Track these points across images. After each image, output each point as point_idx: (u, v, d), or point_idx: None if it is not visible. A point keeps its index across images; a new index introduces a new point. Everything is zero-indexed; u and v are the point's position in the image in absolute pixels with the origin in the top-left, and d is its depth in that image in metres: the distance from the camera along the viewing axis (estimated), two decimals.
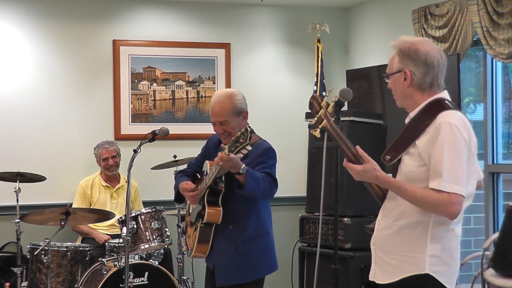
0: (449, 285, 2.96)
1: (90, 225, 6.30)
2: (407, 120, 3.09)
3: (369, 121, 5.94)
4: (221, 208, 4.07)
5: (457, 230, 3.00)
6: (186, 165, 4.64)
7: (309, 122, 6.37)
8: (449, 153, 2.85)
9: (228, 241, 4.14)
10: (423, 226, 2.95)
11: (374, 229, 3.14)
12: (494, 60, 5.69)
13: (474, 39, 5.62)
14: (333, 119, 2.93)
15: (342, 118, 5.64)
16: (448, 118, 2.91)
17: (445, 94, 3.07)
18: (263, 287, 4.26)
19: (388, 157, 3.01)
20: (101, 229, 6.38)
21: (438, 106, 2.99)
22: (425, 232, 2.95)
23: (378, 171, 2.92)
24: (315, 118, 2.85)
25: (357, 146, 2.94)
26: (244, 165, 3.88)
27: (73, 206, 6.25)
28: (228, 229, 4.13)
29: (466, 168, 2.89)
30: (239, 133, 3.83)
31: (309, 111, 6.77)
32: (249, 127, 4.18)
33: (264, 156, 4.11)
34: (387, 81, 3.12)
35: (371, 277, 3.14)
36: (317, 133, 2.87)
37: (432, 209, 2.90)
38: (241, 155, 3.83)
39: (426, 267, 2.93)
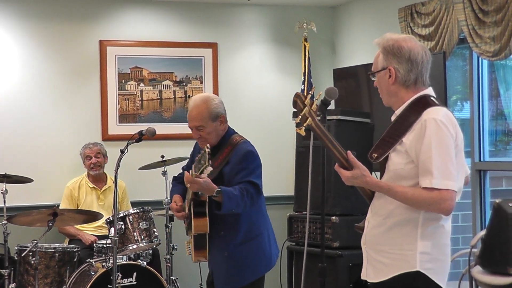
0: (440, 281, 2.97)
1: (78, 226, 6.29)
2: (393, 118, 3.10)
3: (356, 120, 5.94)
4: (207, 218, 4.06)
5: (447, 226, 3.01)
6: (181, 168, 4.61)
7: (296, 122, 6.37)
8: (438, 149, 2.86)
9: (222, 247, 4.16)
10: (413, 223, 2.96)
11: (364, 227, 3.14)
12: (480, 58, 5.71)
13: (460, 37, 5.64)
14: (318, 118, 2.94)
15: (329, 117, 5.66)
16: (434, 114, 2.93)
17: (430, 91, 3.08)
18: (263, 283, 4.28)
19: (375, 155, 3.02)
20: (89, 230, 6.36)
21: (423, 103, 3.00)
22: (415, 229, 2.96)
23: (367, 177, 2.95)
24: (299, 116, 2.85)
25: (349, 152, 2.96)
26: (217, 188, 3.88)
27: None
28: (220, 235, 4.15)
29: (455, 163, 2.90)
30: (201, 152, 3.81)
31: (293, 106, 6.80)
32: (230, 128, 4.25)
33: (244, 162, 4.09)
34: (373, 79, 3.13)
35: (363, 276, 3.15)
36: (302, 131, 2.87)
37: (425, 208, 2.91)
38: (202, 179, 3.82)
39: (417, 264, 2.94)
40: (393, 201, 2.95)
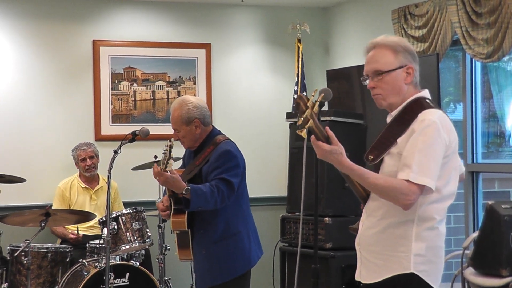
0: (434, 283, 2.97)
1: (70, 226, 6.27)
2: (388, 119, 3.10)
3: (349, 121, 5.96)
4: (185, 215, 4.15)
5: (441, 228, 3.01)
6: None
7: (290, 123, 6.38)
8: (422, 147, 2.87)
9: (201, 245, 4.23)
10: (408, 225, 2.95)
11: (358, 229, 3.14)
12: (473, 60, 5.72)
13: (454, 39, 5.65)
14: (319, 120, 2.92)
15: (322, 118, 5.66)
16: (429, 116, 2.93)
17: (426, 93, 3.09)
18: (245, 283, 4.28)
19: (371, 157, 3.02)
20: (81, 230, 6.35)
21: (419, 105, 3.00)
22: (409, 231, 2.95)
23: (343, 156, 2.89)
24: (301, 119, 2.84)
25: (327, 128, 2.91)
26: (186, 186, 3.99)
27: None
28: (199, 233, 4.22)
29: (438, 164, 2.90)
30: (165, 146, 4.00)
31: (290, 111, 6.78)
32: (215, 129, 4.33)
33: (219, 161, 4.16)
34: (378, 78, 3.05)
35: (357, 277, 3.15)
36: (303, 134, 2.86)
37: (392, 197, 2.88)
38: (170, 174, 3.98)
39: (411, 266, 2.94)
40: (388, 203, 2.94)
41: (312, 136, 2.89)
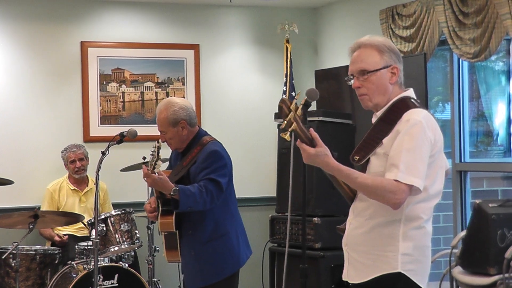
0: (421, 283, 2.97)
1: (61, 228, 6.26)
2: (373, 119, 3.10)
3: (338, 121, 5.97)
4: (173, 216, 4.15)
5: (428, 227, 3.01)
6: None
7: (278, 123, 6.38)
8: (408, 147, 2.87)
9: (189, 246, 4.23)
10: (395, 224, 2.95)
11: (346, 229, 3.15)
12: (460, 60, 5.75)
13: (441, 38, 5.67)
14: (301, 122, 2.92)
15: (310, 118, 5.68)
16: (414, 115, 2.94)
17: (410, 92, 3.10)
18: (234, 283, 4.29)
19: (357, 158, 3.02)
20: (70, 232, 6.33)
21: (404, 105, 3.01)
22: (396, 231, 2.95)
23: (329, 157, 2.89)
24: (285, 122, 2.85)
25: (311, 129, 2.91)
26: (174, 186, 3.99)
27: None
28: (188, 234, 4.22)
29: (425, 163, 2.90)
30: (153, 147, 4.02)
31: (278, 111, 6.79)
32: (202, 130, 4.35)
33: (206, 161, 4.17)
34: (363, 77, 3.05)
35: (345, 277, 3.15)
36: (287, 137, 2.86)
37: (380, 197, 2.88)
38: (159, 175, 3.98)
39: (398, 265, 2.94)
40: (375, 203, 2.94)
41: (298, 140, 2.89)
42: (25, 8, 6.75)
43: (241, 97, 7.39)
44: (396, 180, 2.85)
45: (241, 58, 7.41)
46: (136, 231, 5.73)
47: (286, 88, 7.12)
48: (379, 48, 3.05)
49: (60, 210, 6.37)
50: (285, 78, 7.16)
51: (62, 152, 6.53)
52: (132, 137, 4.54)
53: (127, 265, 5.63)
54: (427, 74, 5.55)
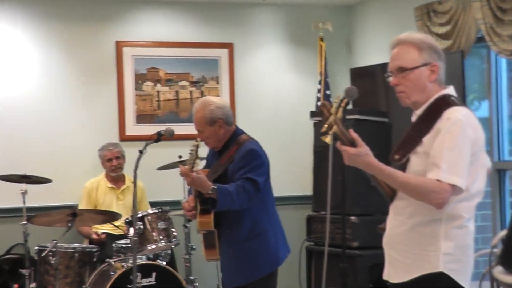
0: (463, 282, 2.95)
1: (98, 226, 6.31)
2: (413, 118, 3.08)
3: (374, 119, 5.95)
4: (211, 215, 4.15)
5: (470, 226, 2.99)
6: None
7: (314, 121, 6.37)
8: (450, 146, 2.85)
9: (227, 245, 4.24)
10: (436, 223, 2.93)
11: (386, 228, 3.13)
12: (498, 57, 5.69)
13: (478, 35, 5.62)
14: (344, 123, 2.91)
15: (346, 117, 5.66)
16: (455, 114, 2.91)
17: (451, 90, 3.07)
18: (272, 282, 4.29)
19: (397, 157, 3.01)
20: (108, 230, 6.38)
21: (444, 103, 2.99)
22: (438, 230, 2.93)
23: (370, 157, 2.88)
24: (326, 125, 2.84)
25: (350, 130, 2.90)
26: (213, 185, 3.99)
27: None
28: (226, 233, 4.23)
29: (467, 162, 2.88)
30: (192, 146, 4.03)
31: (314, 110, 6.78)
32: (238, 128, 4.34)
33: (244, 160, 4.16)
34: (401, 75, 3.04)
35: (385, 277, 3.13)
36: (328, 140, 2.85)
37: (422, 196, 2.86)
38: (197, 174, 3.99)
39: (440, 265, 2.92)
40: (415, 201, 2.93)
41: (338, 142, 2.89)
42: (61, 9, 6.81)
43: (275, 96, 7.39)
44: (438, 180, 2.83)
45: (275, 57, 7.41)
46: (173, 229, 5.75)
47: (320, 86, 7.11)
48: (418, 45, 3.03)
49: (97, 208, 6.43)
50: (319, 77, 7.15)
51: (99, 151, 6.59)
52: (169, 136, 4.54)
53: (164, 263, 5.66)
54: (464, 71, 5.51)
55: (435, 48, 3.06)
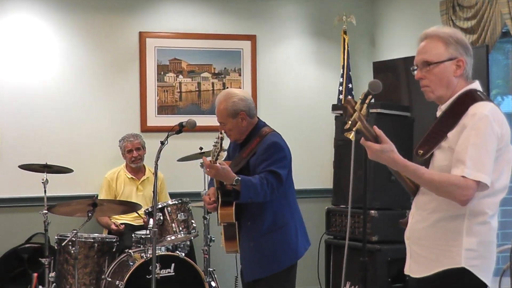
0: (485, 279, 2.93)
1: (117, 216, 6.34)
2: (438, 113, 3.06)
3: (396, 113, 5.91)
4: (233, 207, 4.15)
5: (493, 223, 2.97)
6: None
7: (335, 114, 6.34)
8: (475, 142, 2.83)
9: (248, 237, 4.23)
10: (459, 219, 2.91)
11: (408, 222, 3.11)
12: None
13: (503, 30, 5.56)
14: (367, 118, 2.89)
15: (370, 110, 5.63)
16: (480, 109, 2.89)
17: (476, 85, 3.04)
18: (292, 275, 4.28)
19: (421, 152, 2.98)
20: (127, 220, 6.40)
21: (470, 98, 2.96)
22: (460, 226, 2.91)
23: (395, 153, 2.86)
24: (349, 122, 2.82)
25: (374, 126, 2.88)
26: (236, 177, 3.98)
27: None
28: (247, 225, 4.22)
29: (492, 159, 2.85)
30: (216, 138, 4.02)
31: (335, 103, 6.74)
32: (261, 121, 4.33)
33: (266, 153, 4.15)
34: (426, 69, 3.01)
35: (406, 271, 3.11)
36: (351, 136, 2.83)
37: (448, 193, 2.84)
38: (221, 165, 3.98)
39: (462, 261, 2.90)
40: (438, 196, 2.90)
41: (362, 138, 2.87)
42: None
43: (297, 89, 7.37)
44: (463, 176, 2.80)
45: (297, 49, 7.38)
46: (193, 221, 5.76)
47: (343, 79, 7.08)
48: (445, 39, 3.00)
49: (117, 198, 6.44)
50: (342, 70, 7.12)
51: (119, 142, 6.60)
52: (191, 128, 4.54)
53: (183, 254, 5.67)
54: (489, 66, 5.46)
55: (463, 43, 3.03)
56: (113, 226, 6.29)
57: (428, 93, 3.07)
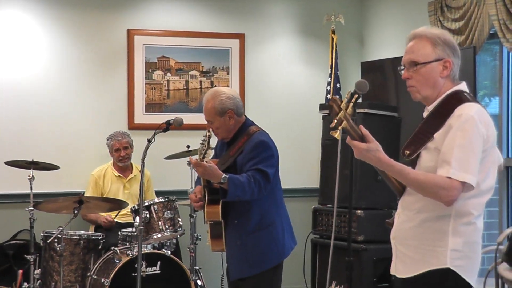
0: (470, 279, 2.94)
1: (104, 214, 6.31)
2: (425, 114, 3.07)
3: (383, 114, 5.92)
4: (219, 206, 4.15)
5: (479, 223, 2.98)
6: None
7: (323, 114, 6.35)
8: (461, 143, 2.84)
9: (235, 236, 4.23)
10: (445, 219, 2.92)
11: (394, 223, 3.12)
12: (510, 53, 5.65)
13: (491, 32, 5.58)
14: (353, 117, 2.89)
15: (356, 110, 5.63)
16: (467, 110, 2.90)
17: (463, 86, 3.06)
18: (278, 274, 4.29)
19: (408, 152, 2.99)
20: (114, 218, 6.39)
21: (456, 99, 2.97)
22: (446, 226, 2.92)
23: (381, 153, 2.86)
24: (335, 120, 2.82)
25: (360, 126, 2.88)
26: (224, 175, 3.98)
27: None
28: (233, 223, 4.22)
29: (478, 160, 2.87)
30: (203, 136, 4.00)
31: (323, 102, 6.75)
32: (248, 119, 4.34)
33: (254, 151, 4.16)
34: (413, 69, 3.03)
35: (392, 271, 3.12)
36: (337, 135, 2.83)
37: (432, 194, 2.85)
38: (208, 164, 3.97)
39: (447, 261, 2.91)
40: (425, 197, 2.91)
41: (348, 137, 2.87)
42: None
43: (285, 88, 7.37)
44: (448, 177, 2.81)
45: (286, 48, 7.39)
46: (179, 219, 5.76)
47: (331, 79, 7.08)
48: (433, 40, 3.01)
49: (104, 196, 6.43)
50: (330, 69, 7.13)
51: (107, 139, 6.57)
52: (178, 126, 4.54)
53: (169, 252, 5.66)
54: (476, 68, 5.47)
55: (450, 44, 3.04)
56: (103, 219, 6.24)
57: (414, 93, 3.08)
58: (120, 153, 6.49)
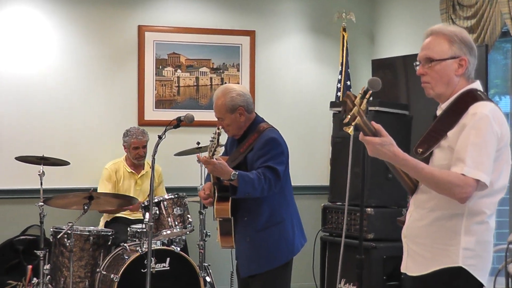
0: (482, 278, 2.93)
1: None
2: (438, 112, 3.05)
3: (394, 112, 5.90)
4: (229, 203, 4.15)
5: (491, 223, 2.97)
6: None
7: (333, 111, 6.34)
8: (475, 141, 2.82)
9: (244, 233, 4.23)
10: (458, 218, 2.91)
11: (406, 220, 3.10)
12: None
13: (503, 30, 5.56)
14: (367, 114, 2.88)
15: (368, 108, 5.62)
16: (481, 109, 2.88)
17: (477, 85, 3.04)
18: (287, 271, 4.28)
19: (421, 150, 2.98)
20: (123, 214, 6.39)
21: (471, 97, 2.95)
22: (459, 225, 2.91)
23: (395, 147, 2.84)
24: (349, 116, 2.80)
25: (373, 121, 2.86)
26: (234, 171, 3.97)
27: (98, 190, 6.30)
28: (243, 220, 4.22)
29: (492, 159, 2.85)
30: (213, 133, 4.00)
31: (333, 100, 6.74)
32: (259, 116, 4.32)
33: (264, 148, 4.14)
34: (428, 65, 3.01)
35: (403, 269, 3.11)
36: (350, 131, 2.81)
37: (447, 190, 2.83)
38: (218, 161, 3.95)
39: (459, 260, 2.90)
40: (437, 195, 2.90)
41: (360, 133, 2.86)
42: None
43: (295, 85, 7.36)
44: (462, 174, 2.80)
45: (296, 46, 7.38)
46: (189, 216, 5.75)
47: (341, 77, 7.07)
48: (450, 37, 2.99)
49: (116, 190, 6.41)
50: (340, 67, 7.12)
51: (124, 136, 6.49)
52: (189, 122, 4.53)
53: (178, 249, 5.66)
54: (488, 66, 5.45)
55: (467, 42, 3.02)
56: (137, 208, 6.09)
57: (428, 90, 3.06)
58: (139, 152, 6.44)
